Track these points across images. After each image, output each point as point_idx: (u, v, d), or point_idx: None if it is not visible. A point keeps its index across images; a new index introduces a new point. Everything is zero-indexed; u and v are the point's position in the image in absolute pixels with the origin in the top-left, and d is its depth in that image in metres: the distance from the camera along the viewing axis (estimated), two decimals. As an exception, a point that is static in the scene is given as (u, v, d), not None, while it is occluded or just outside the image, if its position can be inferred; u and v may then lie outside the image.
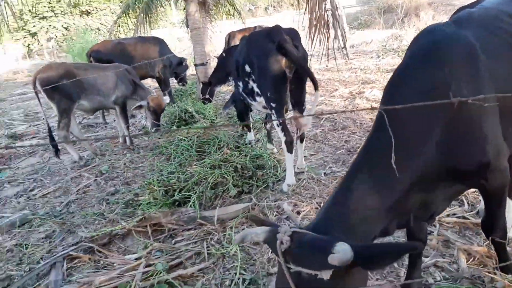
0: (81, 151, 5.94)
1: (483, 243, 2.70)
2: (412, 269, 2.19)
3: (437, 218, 3.06)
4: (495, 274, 2.20)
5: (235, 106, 5.23)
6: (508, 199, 2.78)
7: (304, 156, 4.58)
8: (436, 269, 2.56)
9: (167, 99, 6.15)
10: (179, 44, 19.68)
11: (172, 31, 23.61)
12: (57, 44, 30.92)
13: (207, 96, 6.83)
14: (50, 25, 30.75)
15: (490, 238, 1.97)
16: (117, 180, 4.74)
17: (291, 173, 3.87)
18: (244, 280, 2.60)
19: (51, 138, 5.24)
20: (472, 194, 3.41)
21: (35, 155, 6.17)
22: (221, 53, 6.52)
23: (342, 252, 1.29)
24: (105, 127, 7.78)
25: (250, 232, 1.56)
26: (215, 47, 13.38)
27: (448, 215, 3.12)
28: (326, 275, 1.33)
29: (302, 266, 1.37)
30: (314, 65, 12.57)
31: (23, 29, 30.47)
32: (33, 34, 30.89)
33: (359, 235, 1.55)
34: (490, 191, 1.81)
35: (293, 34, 3.67)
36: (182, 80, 8.94)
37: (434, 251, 2.72)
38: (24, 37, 31.16)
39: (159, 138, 6.04)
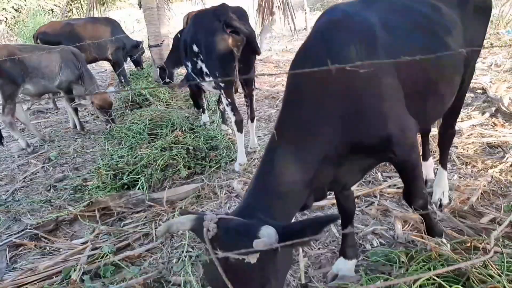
0: (29, 138, 5.69)
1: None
2: (345, 238, 2.30)
3: (378, 189, 3.22)
4: (422, 238, 2.35)
5: (188, 87, 5.18)
6: (441, 169, 2.97)
7: (258, 136, 4.63)
8: (374, 236, 2.70)
9: (111, 89, 5.91)
10: (138, 25, 19.03)
11: (131, 11, 22.78)
12: (8, 27, 29.08)
13: (167, 80, 6.68)
14: (-1, 7, 28.81)
15: (412, 207, 2.07)
16: (66, 166, 4.60)
17: (242, 152, 3.91)
18: (190, 257, 2.62)
19: (-6, 124, 5.00)
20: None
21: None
22: (176, 34, 6.37)
23: (267, 235, 1.32)
24: (56, 112, 7.47)
25: (175, 221, 1.53)
26: (174, 28, 13.04)
27: (389, 186, 3.27)
28: (253, 259, 1.34)
29: (229, 251, 1.36)
30: (274, 46, 12.62)
31: (-32, 10, 28.41)
32: (-21, 16, 28.88)
33: (283, 214, 1.60)
34: (400, 165, 1.89)
35: (239, 13, 3.65)
36: (137, 63, 8.72)
37: (374, 220, 2.86)
38: (-30, 19, 29.07)
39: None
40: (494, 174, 3.27)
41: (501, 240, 2.30)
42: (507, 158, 3.47)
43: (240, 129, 3.82)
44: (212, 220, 1.43)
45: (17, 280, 2.59)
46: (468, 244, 2.32)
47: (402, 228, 2.69)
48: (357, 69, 1.19)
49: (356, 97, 1.66)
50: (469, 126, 4.32)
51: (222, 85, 3.64)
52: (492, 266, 2.00)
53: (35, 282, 2.55)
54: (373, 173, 3.52)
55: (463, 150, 3.79)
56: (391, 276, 2.19)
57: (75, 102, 5.67)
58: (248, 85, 3.86)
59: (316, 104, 1.64)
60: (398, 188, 3.23)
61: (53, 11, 27.83)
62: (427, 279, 1.93)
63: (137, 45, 8.46)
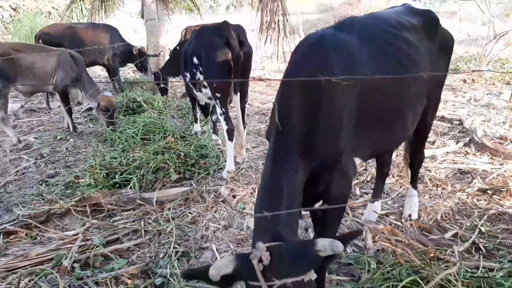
0: (21, 135, 5.80)
1: (388, 224, 3.12)
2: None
3: (354, 204, 3.46)
4: (391, 244, 2.59)
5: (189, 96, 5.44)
6: (411, 188, 3.25)
7: (246, 148, 4.85)
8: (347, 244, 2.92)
9: (108, 93, 6.03)
10: (134, 35, 19.34)
11: (129, 21, 23.11)
12: (3, 25, 29.03)
13: (162, 86, 6.88)
14: (-4, 5, 28.77)
15: None
16: (58, 163, 4.74)
17: (231, 160, 4.13)
18: (177, 252, 2.80)
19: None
20: (388, 184, 3.85)
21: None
22: (175, 46, 6.64)
23: (327, 242, 1.39)
24: (48, 112, 7.58)
25: (219, 265, 1.44)
26: (171, 40, 13.36)
27: (365, 201, 3.52)
28: (312, 275, 1.39)
29: (288, 276, 1.37)
30: (267, 65, 12.99)
31: (-35, 5, 28.26)
32: (-24, 13, 28.76)
33: (295, 230, 1.73)
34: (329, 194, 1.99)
35: (239, 30, 3.95)
36: (143, 68, 8.69)
37: (348, 229, 3.09)
38: (-35, 14, 28.91)
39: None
40: (462, 196, 3.56)
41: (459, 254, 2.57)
42: (474, 183, 3.76)
43: (230, 138, 4.05)
44: (263, 249, 1.39)
45: (9, 264, 2.71)
46: (432, 254, 2.56)
47: (373, 238, 2.93)
48: (340, 81, 1.42)
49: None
50: (444, 153, 4.63)
51: (219, 95, 3.90)
52: (455, 275, 2.26)
53: (26, 267, 2.67)
54: (353, 188, 3.77)
55: (436, 173, 4.08)
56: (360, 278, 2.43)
57: (70, 105, 5.83)
58: (242, 97, 4.12)
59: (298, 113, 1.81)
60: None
61: (50, 14, 27.95)
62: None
63: (140, 50, 8.55)
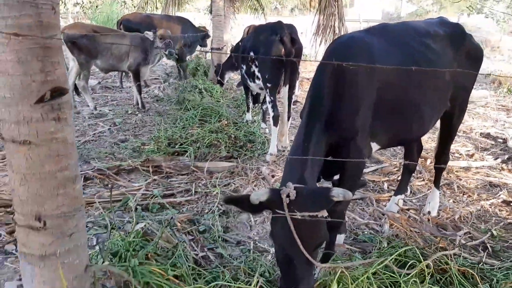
0: (97, 105, 6.71)
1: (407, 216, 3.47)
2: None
3: (380, 196, 3.81)
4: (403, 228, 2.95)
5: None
6: (434, 188, 3.55)
7: (289, 139, 5.32)
8: (367, 227, 3.31)
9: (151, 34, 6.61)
10: (199, 28, 20.50)
11: (196, 15, 24.36)
12: (83, 10, 31.69)
13: (218, 78, 7.57)
14: (79, -10, 31.40)
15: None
16: (128, 132, 5.52)
17: (274, 144, 4.65)
18: (219, 209, 3.35)
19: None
20: (417, 186, 4.15)
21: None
22: (237, 43, 7.26)
23: (341, 191, 1.78)
24: (121, 91, 8.54)
25: (258, 193, 1.85)
26: (234, 36, 14.12)
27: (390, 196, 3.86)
28: (324, 213, 1.77)
29: (307, 210, 1.74)
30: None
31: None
32: (61, -4, 31.49)
33: (315, 179, 2.22)
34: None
35: (291, 29, 4.51)
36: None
37: (369, 216, 3.47)
38: (51, -2, 31.72)
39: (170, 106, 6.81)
40: (484, 205, 3.79)
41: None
42: (499, 195, 3.96)
43: (275, 124, 4.59)
44: (291, 188, 1.80)
45: (85, 199, 3.41)
46: (437, 244, 2.89)
47: (390, 226, 3.29)
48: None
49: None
50: (480, 166, 4.80)
51: (269, 85, 4.44)
52: (452, 258, 2.58)
53: (100, 202, 3.35)
54: (381, 183, 4.13)
55: (466, 183, 4.30)
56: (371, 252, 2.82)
57: (140, 82, 6.68)
58: (290, 88, 4.63)
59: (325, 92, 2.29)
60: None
61: (125, 3, 30.10)
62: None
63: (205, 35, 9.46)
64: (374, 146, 2.50)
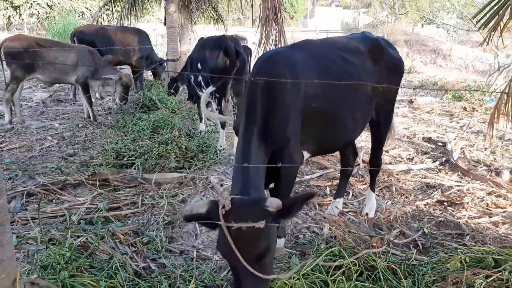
0: (47, 120, 6.56)
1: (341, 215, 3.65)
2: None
3: (323, 201, 3.99)
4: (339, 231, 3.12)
5: (188, 93, 6.21)
6: (370, 191, 3.75)
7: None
8: (308, 231, 3.45)
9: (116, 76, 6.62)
10: (161, 39, 20.34)
11: (157, 27, 24.20)
12: (39, 21, 30.74)
13: (172, 91, 7.63)
14: (34, 1, 30.51)
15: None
16: (77, 145, 5.44)
17: (223, 138, 5.19)
18: (164, 220, 3.39)
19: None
20: (359, 189, 4.37)
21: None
22: (190, 54, 7.36)
23: (274, 201, 1.81)
24: (74, 103, 8.38)
25: (195, 205, 1.91)
26: (191, 48, 14.16)
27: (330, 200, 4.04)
28: (262, 224, 1.74)
29: (244, 220, 1.74)
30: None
31: (5, 0, 30.01)
32: (16, 7, 30.49)
33: (262, 190, 2.28)
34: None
35: (235, 41, 4.74)
36: (155, 75, 9.67)
37: (311, 219, 3.62)
38: (5, 9, 30.67)
39: (121, 119, 6.76)
40: (419, 205, 4.05)
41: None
42: (434, 195, 4.24)
43: (223, 127, 5.23)
44: (227, 198, 1.83)
45: (28, 215, 3.36)
46: (373, 243, 3.07)
47: (329, 228, 3.45)
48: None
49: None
50: (418, 168, 5.11)
51: (218, 95, 4.61)
52: (379, 254, 2.76)
53: (42, 218, 3.31)
54: (324, 188, 4.32)
55: (404, 185, 4.57)
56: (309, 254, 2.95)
57: (90, 94, 6.59)
58: (238, 96, 4.82)
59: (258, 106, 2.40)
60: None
61: (83, 13, 29.49)
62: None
63: (160, 62, 9.44)
64: (305, 154, 2.65)
